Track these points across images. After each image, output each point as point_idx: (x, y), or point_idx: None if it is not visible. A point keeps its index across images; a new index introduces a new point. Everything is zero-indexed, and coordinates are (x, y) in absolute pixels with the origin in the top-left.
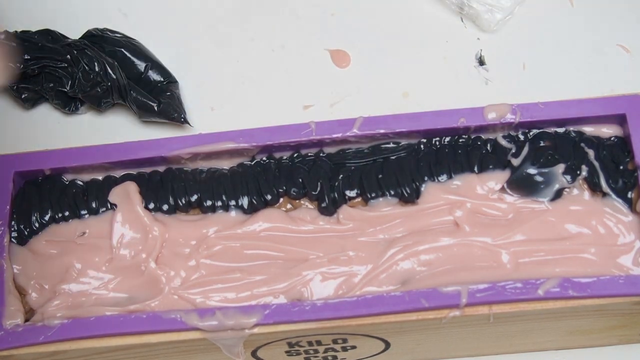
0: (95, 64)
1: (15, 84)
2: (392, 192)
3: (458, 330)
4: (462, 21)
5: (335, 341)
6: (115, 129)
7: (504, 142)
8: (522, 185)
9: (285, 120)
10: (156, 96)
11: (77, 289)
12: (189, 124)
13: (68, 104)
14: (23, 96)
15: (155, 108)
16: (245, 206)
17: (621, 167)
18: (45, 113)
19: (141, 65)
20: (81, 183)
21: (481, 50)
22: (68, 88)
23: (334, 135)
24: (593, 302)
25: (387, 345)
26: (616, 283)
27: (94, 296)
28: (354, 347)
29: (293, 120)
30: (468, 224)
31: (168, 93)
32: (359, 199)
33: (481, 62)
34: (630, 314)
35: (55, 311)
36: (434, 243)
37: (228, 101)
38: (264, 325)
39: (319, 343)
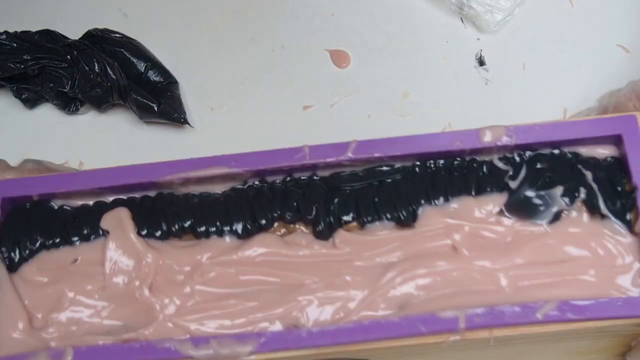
0: (95, 64)
1: (15, 85)
2: (389, 216)
3: (459, 354)
4: (462, 21)
5: None
6: (115, 129)
7: (500, 164)
8: (521, 208)
9: (285, 120)
10: (156, 96)
11: (69, 317)
12: (189, 124)
13: (68, 104)
14: (23, 96)
15: (156, 108)
16: (240, 231)
17: (619, 189)
18: (46, 113)
19: (141, 66)
20: (71, 208)
21: (481, 50)
22: (68, 88)
23: (328, 160)
24: (592, 324)
25: None
26: (615, 305)
27: (87, 325)
28: None
29: (293, 120)
30: (466, 247)
31: (168, 93)
32: (354, 223)
33: (481, 62)
34: (631, 335)
35: (48, 340)
36: (431, 267)
37: (228, 101)
38: (260, 353)
39: None
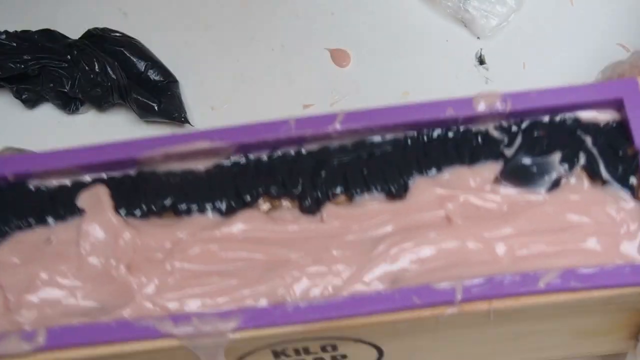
0: (96, 63)
1: (15, 85)
2: (379, 188)
3: (454, 334)
4: (462, 20)
5: (324, 349)
6: (115, 129)
7: (495, 133)
8: (517, 175)
9: None
10: (156, 96)
11: (43, 299)
12: (189, 123)
13: (68, 104)
14: (23, 97)
15: (156, 108)
16: (223, 209)
17: (620, 153)
18: (46, 113)
19: (141, 65)
20: (47, 189)
21: (481, 49)
22: (68, 88)
23: (315, 132)
24: (599, 293)
25: (380, 353)
26: (621, 273)
27: (62, 306)
28: (344, 357)
29: None
30: (461, 217)
31: (168, 92)
32: (343, 197)
33: (481, 61)
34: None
35: (22, 324)
36: (424, 239)
37: (228, 100)
38: (244, 330)
39: (306, 351)
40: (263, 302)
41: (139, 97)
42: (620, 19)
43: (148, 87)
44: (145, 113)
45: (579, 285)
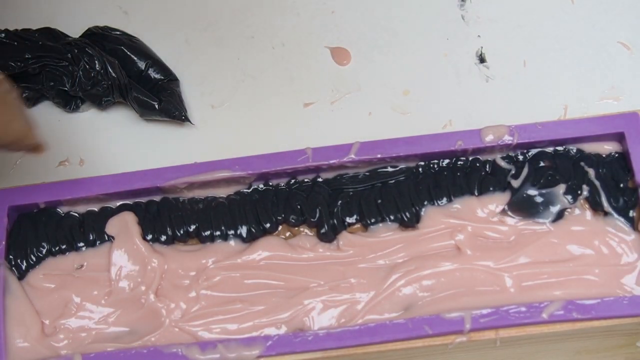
0: (96, 62)
1: (16, 83)
2: (392, 217)
3: (464, 355)
4: (463, 19)
5: None
6: (116, 127)
7: (502, 163)
8: (523, 207)
9: (286, 117)
10: (157, 94)
11: (77, 324)
12: (189, 121)
13: (69, 102)
14: (24, 95)
15: (156, 106)
16: (244, 235)
17: (622, 186)
18: (46, 112)
19: (142, 63)
20: (77, 215)
21: (482, 47)
22: (69, 87)
23: (331, 161)
24: (598, 323)
25: None
26: (620, 304)
27: (94, 331)
28: None
29: (294, 117)
30: (470, 247)
31: (169, 91)
32: (358, 225)
33: (482, 60)
34: (637, 333)
35: (58, 348)
36: (436, 268)
37: (229, 99)
38: (267, 357)
39: None
40: (284, 329)
41: (139, 95)
42: (620, 16)
43: (148, 86)
44: (145, 111)
45: (580, 317)
